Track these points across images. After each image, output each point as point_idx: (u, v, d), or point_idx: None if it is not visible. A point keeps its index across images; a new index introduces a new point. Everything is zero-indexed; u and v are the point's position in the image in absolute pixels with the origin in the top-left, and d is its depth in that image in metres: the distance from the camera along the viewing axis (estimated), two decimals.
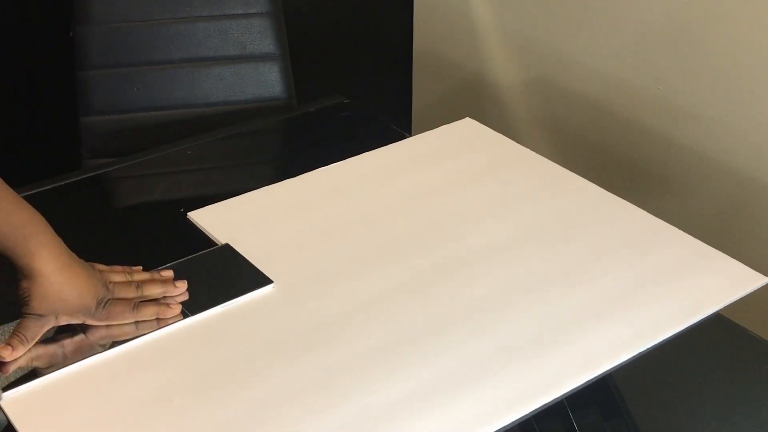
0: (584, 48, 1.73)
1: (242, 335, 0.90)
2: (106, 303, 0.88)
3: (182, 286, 0.93)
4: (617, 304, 0.91)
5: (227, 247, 1.02)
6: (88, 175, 1.29)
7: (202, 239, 1.05)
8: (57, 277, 0.84)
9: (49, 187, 1.21)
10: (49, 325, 0.86)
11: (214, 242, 1.05)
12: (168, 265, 0.98)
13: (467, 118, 1.32)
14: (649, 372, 0.89)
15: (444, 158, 1.22)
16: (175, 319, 0.91)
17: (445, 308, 0.92)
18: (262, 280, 0.97)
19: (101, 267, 0.92)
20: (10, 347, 0.84)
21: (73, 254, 0.87)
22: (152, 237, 1.13)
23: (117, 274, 0.92)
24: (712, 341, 0.95)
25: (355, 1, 2.15)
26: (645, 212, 1.09)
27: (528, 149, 1.25)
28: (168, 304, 0.92)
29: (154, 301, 0.92)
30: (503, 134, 1.30)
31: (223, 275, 0.98)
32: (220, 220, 1.09)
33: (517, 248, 1.01)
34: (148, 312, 0.91)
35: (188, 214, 1.10)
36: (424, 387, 0.81)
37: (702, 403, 0.86)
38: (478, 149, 1.25)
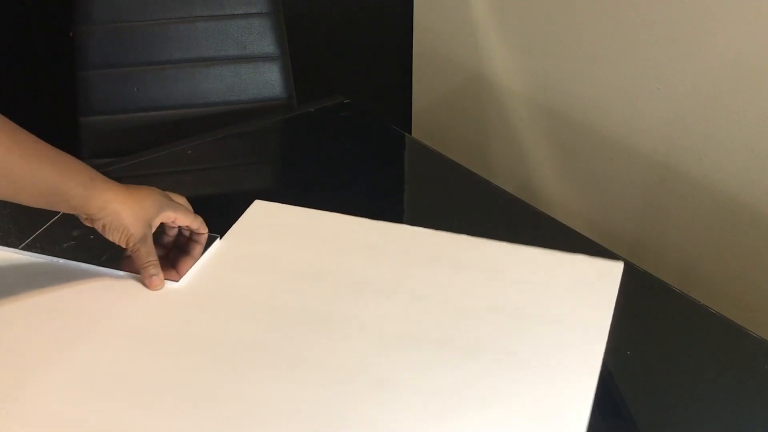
0: (584, 48, 1.73)
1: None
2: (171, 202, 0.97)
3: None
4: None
5: (211, 237, 1.03)
6: None
7: None
8: (127, 200, 0.92)
9: None
10: (150, 235, 0.95)
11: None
12: None
13: None
14: (649, 372, 0.89)
15: None
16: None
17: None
18: (172, 277, 0.97)
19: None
20: (155, 276, 0.95)
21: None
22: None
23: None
24: (712, 341, 0.95)
25: (355, 1, 2.15)
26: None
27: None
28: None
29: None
30: (503, 134, 1.29)
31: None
32: (266, 218, 1.09)
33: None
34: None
35: (255, 201, 1.12)
36: None
37: (702, 403, 0.86)
38: None
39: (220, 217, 1.09)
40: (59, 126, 1.79)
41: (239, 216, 1.10)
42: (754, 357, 0.92)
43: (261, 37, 1.61)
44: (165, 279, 0.96)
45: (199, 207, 1.04)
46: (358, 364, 0.85)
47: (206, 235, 1.02)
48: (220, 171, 1.33)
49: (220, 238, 1.04)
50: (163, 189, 0.98)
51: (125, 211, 0.91)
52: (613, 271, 0.99)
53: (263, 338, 0.89)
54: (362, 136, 1.42)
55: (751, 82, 1.43)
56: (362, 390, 0.82)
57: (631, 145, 1.69)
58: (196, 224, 1.00)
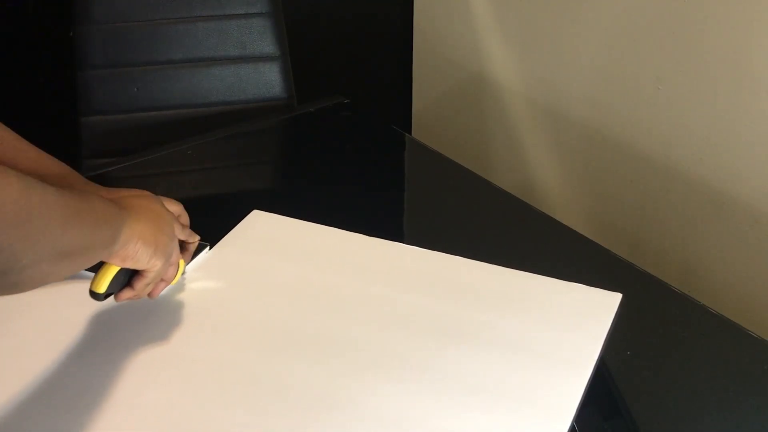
0: (584, 48, 1.73)
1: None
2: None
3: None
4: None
5: (200, 245, 1.01)
6: (88, 175, 1.28)
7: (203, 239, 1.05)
8: (148, 217, 0.82)
9: None
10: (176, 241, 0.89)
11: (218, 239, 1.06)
12: None
13: None
14: (649, 372, 0.89)
15: None
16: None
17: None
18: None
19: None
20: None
21: (123, 192, 0.88)
22: None
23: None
24: (712, 341, 0.95)
25: (355, 1, 2.15)
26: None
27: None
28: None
29: None
30: (503, 134, 1.29)
31: None
32: (260, 230, 1.07)
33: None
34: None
35: (254, 210, 1.10)
36: None
37: (702, 403, 0.86)
38: None
39: (219, 218, 1.09)
40: (59, 126, 1.79)
41: (238, 217, 1.10)
42: (754, 357, 0.92)
43: (261, 37, 1.61)
44: None
45: (198, 208, 1.04)
46: (330, 388, 0.83)
47: (196, 243, 0.98)
48: (220, 171, 1.33)
49: (209, 248, 1.03)
50: (163, 189, 0.97)
51: None
52: (610, 302, 0.96)
53: (229, 355, 0.87)
54: (362, 136, 1.42)
55: (751, 83, 1.43)
56: (333, 416, 0.79)
57: (631, 145, 1.69)
58: (184, 236, 0.95)
